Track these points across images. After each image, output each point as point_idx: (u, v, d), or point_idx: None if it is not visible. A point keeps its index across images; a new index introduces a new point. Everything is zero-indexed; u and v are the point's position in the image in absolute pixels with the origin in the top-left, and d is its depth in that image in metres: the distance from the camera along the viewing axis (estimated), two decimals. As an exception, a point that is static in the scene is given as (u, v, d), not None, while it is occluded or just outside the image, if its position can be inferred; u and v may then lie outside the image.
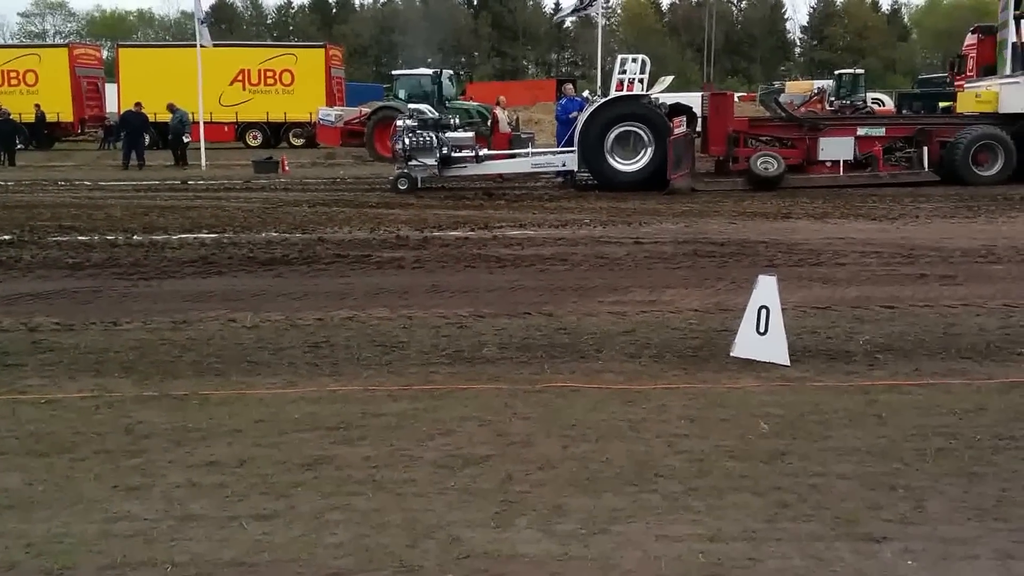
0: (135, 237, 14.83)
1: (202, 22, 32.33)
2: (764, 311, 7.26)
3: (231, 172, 30.31)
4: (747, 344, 7.39)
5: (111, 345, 8.22)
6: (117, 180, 27.33)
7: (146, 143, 34.27)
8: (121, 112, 34.77)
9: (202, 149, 32.65)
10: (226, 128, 45.46)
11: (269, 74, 47.01)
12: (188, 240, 14.48)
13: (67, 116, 47.80)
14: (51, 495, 5.01)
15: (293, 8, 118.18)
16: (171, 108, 33.94)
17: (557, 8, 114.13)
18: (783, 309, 7.36)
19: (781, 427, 5.86)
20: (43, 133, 46.03)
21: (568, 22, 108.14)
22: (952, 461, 5.27)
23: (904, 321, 8.68)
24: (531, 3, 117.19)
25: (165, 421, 6.14)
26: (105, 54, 61.82)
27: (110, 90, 49.45)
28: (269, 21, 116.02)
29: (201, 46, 31.80)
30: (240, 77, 46.63)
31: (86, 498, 4.95)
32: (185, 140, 33.70)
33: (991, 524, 4.50)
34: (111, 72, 51.53)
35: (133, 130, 33.11)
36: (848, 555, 4.24)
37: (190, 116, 33.61)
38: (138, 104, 34.15)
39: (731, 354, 7.47)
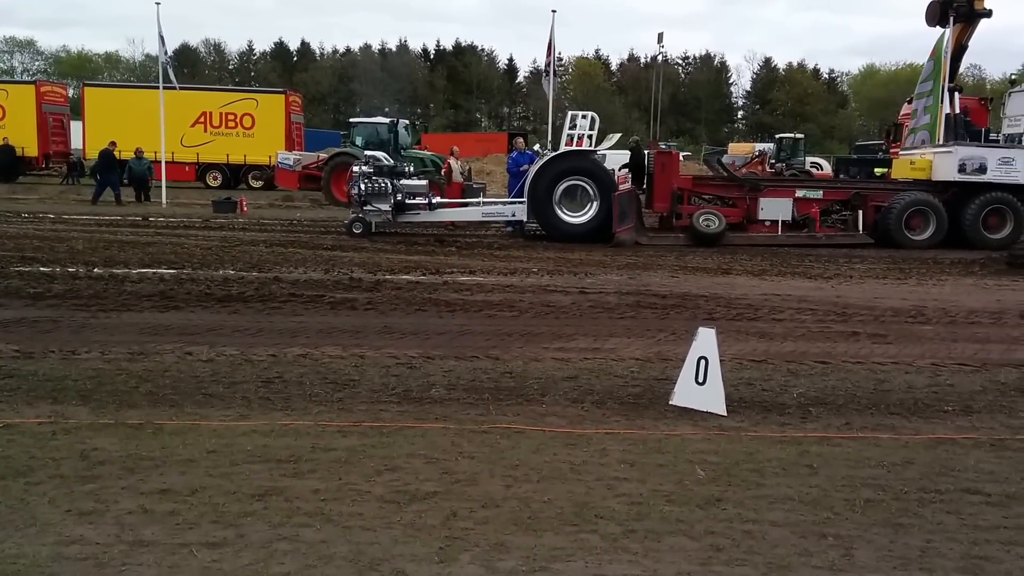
0: (96, 270, 14.88)
1: (166, 63, 32.63)
2: (703, 362, 7.45)
3: (191, 211, 30.40)
4: (686, 393, 7.58)
5: (69, 373, 8.28)
6: (80, 214, 27.33)
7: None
8: (101, 150, 34.90)
9: (163, 188, 32.85)
10: (187, 168, 45.85)
11: (230, 117, 47.31)
12: (147, 275, 14.53)
13: (32, 151, 48.03)
14: (5, 517, 5.06)
15: (255, 55, 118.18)
16: (139, 153, 34.37)
17: (511, 66, 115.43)
18: (721, 361, 7.55)
19: (717, 474, 6.00)
20: (9, 166, 46.18)
21: (523, 79, 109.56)
22: (880, 512, 5.41)
23: (836, 376, 8.90)
24: (485, 59, 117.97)
25: (120, 449, 6.19)
26: (71, 93, 61.85)
27: (75, 128, 49.60)
28: (231, 67, 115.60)
29: (166, 86, 32.12)
30: (202, 119, 47.00)
31: (40, 521, 5.01)
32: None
33: (916, 574, 4.63)
34: (76, 110, 51.64)
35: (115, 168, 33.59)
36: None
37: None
38: (112, 143, 34.37)
39: (670, 402, 7.63)
